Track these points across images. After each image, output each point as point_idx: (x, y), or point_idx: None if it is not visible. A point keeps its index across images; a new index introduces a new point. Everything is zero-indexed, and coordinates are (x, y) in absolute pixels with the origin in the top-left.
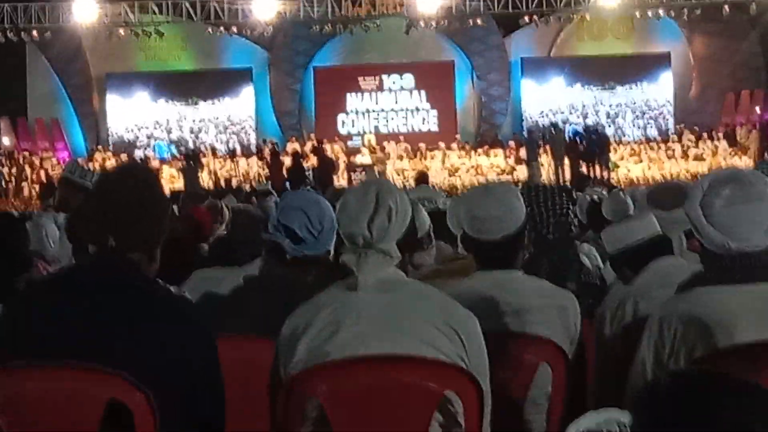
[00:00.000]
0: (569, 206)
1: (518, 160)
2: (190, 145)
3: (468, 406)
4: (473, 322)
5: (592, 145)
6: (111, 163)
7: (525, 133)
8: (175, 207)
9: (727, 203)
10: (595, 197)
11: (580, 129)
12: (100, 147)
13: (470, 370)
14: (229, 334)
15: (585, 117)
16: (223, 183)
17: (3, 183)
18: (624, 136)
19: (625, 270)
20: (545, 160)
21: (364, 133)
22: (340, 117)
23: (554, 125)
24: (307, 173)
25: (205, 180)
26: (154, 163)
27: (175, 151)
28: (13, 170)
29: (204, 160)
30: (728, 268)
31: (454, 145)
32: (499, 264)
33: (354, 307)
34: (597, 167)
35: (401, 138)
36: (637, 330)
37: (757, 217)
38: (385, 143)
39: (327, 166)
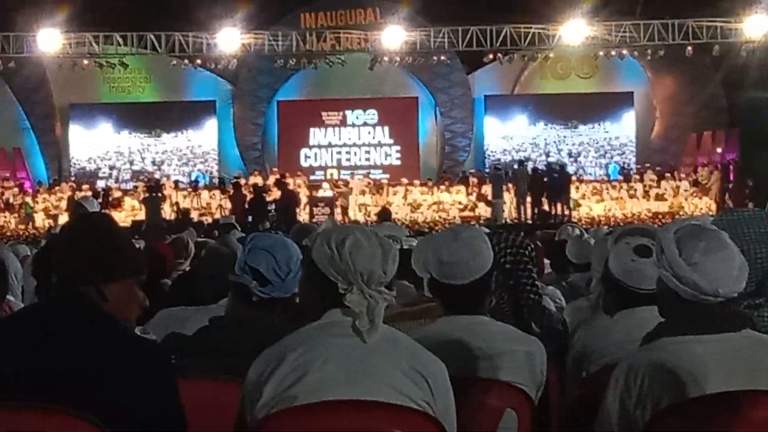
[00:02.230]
0: (531, 246)
1: (480, 197)
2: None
3: None
4: (441, 368)
5: (554, 183)
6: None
7: (488, 170)
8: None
9: (705, 252)
10: (562, 237)
11: (542, 166)
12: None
13: (437, 416)
14: (194, 375)
15: (547, 155)
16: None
17: None
18: (586, 174)
19: (610, 302)
20: (507, 197)
21: (327, 167)
22: (303, 151)
23: (520, 162)
24: (269, 207)
25: (167, 212)
26: (116, 194)
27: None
28: None
29: (166, 192)
30: (695, 318)
31: (416, 181)
32: (466, 309)
33: (322, 350)
34: (559, 205)
35: (364, 173)
36: (605, 378)
37: (729, 264)
38: (347, 178)
39: (290, 200)
